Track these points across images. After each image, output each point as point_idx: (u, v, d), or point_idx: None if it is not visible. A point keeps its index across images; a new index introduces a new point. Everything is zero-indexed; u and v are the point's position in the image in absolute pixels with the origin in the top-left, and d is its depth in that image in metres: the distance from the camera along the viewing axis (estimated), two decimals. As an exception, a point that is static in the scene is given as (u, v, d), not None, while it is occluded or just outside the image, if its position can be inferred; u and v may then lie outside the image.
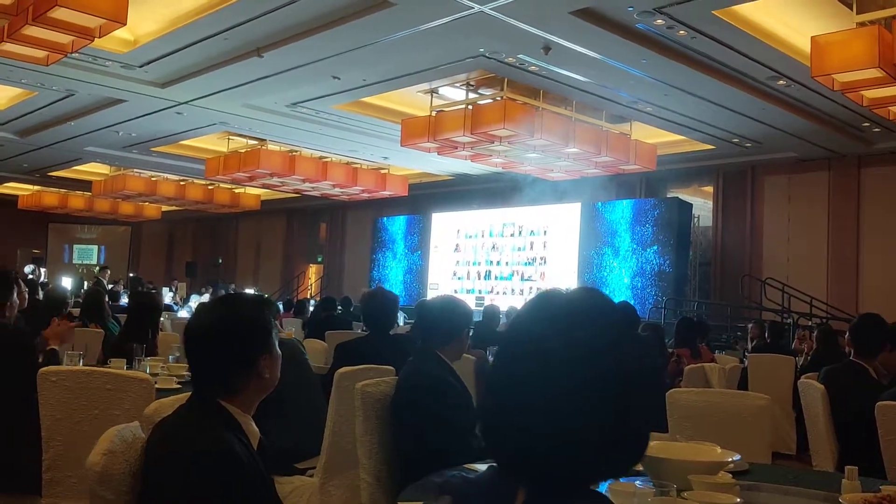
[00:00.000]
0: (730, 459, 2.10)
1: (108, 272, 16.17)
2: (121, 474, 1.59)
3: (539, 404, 0.98)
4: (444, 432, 2.56)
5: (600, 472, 1.05)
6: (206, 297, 14.38)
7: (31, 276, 14.33)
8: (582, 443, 0.98)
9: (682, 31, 6.88)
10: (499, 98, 8.85)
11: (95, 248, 22.67)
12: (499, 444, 1.03)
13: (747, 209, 12.62)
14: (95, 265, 20.58)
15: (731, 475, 2.07)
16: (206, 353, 1.76)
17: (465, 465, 2.24)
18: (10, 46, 6.08)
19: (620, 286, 12.68)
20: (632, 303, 9.07)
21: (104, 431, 1.75)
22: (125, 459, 1.60)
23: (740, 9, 6.67)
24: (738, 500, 1.87)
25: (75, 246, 22.60)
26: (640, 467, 2.15)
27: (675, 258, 12.20)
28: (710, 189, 13.33)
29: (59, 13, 5.36)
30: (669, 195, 13.29)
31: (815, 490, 2.20)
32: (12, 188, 18.69)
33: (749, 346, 8.16)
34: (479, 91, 9.43)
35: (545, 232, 13.94)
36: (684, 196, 13.11)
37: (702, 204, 13.34)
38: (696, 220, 13.07)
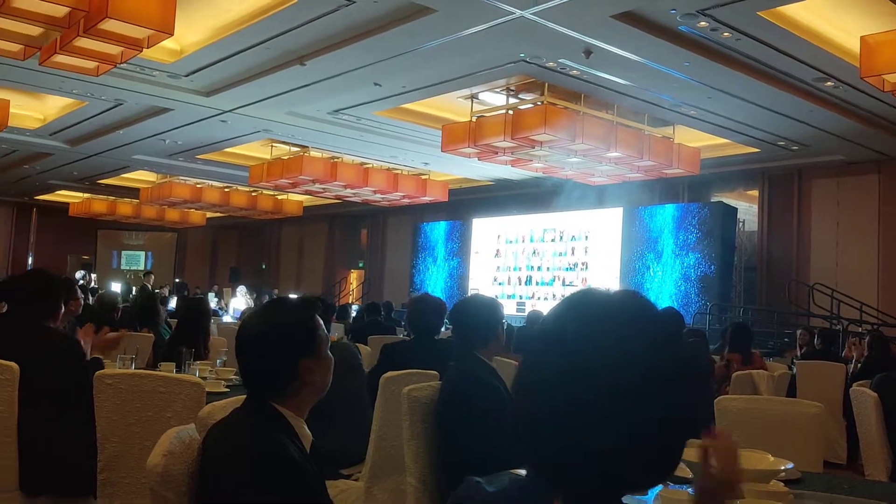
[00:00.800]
0: (782, 468, 2.07)
1: (153, 277, 16.48)
2: (180, 475, 1.62)
3: (572, 408, 0.94)
4: (487, 436, 2.56)
5: (638, 481, 1.00)
6: (241, 300, 14.63)
7: (81, 282, 14.69)
8: (618, 449, 0.94)
9: (726, 33, 6.79)
10: (539, 103, 8.83)
11: (143, 254, 23.13)
12: (533, 449, 0.99)
13: (794, 213, 12.38)
14: (142, 271, 21.00)
15: (783, 483, 2.04)
16: (250, 357, 1.80)
17: (510, 471, 2.24)
18: (62, 58, 6.25)
19: (664, 292, 12.54)
20: (675, 307, 8.96)
21: (157, 433, 1.79)
22: (184, 460, 1.64)
23: (786, 9, 6.56)
24: (792, 508, 1.84)
25: (123, 252, 23.09)
26: (690, 475, 2.13)
27: (719, 263, 12.03)
28: (755, 193, 13.11)
29: (109, 25, 5.50)
30: (713, 199, 13.11)
31: (872, 500, 2.15)
32: (63, 196, 19.19)
33: (798, 353, 8.00)
34: (520, 96, 9.43)
35: (586, 237, 13.84)
36: (729, 200, 12.92)
37: (747, 208, 13.13)
38: (741, 224, 12.87)
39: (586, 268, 13.80)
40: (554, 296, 14.10)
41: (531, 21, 6.61)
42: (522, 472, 2.20)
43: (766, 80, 7.91)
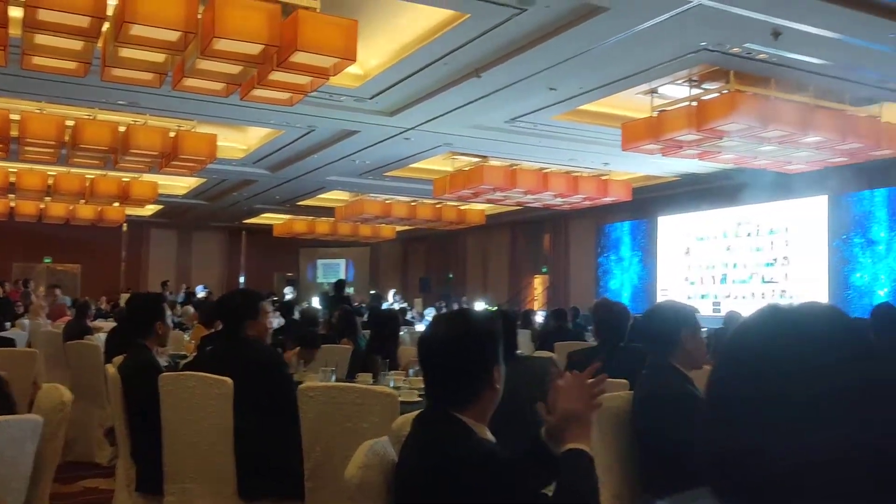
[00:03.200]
0: None
1: (349, 289, 17.38)
2: (378, 486, 1.70)
3: (773, 427, 0.89)
4: (688, 447, 2.44)
5: None
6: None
7: (288, 297, 15.82)
8: (825, 468, 0.86)
9: (938, -4, 6.11)
10: (725, 91, 8.38)
11: (342, 262, 24.33)
12: (725, 472, 0.93)
13: None
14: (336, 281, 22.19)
15: None
16: (442, 364, 1.82)
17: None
18: (259, 92, 6.76)
19: (879, 285, 11.46)
20: (893, 303, 8.14)
21: (355, 443, 1.88)
22: (380, 472, 1.71)
23: None
24: None
25: (321, 266, 24.42)
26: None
27: (944, 250, 10.82)
28: (984, 169, 11.65)
29: (299, 57, 5.87)
30: (933, 180, 11.81)
31: None
32: (267, 218, 20.76)
33: None
34: (704, 86, 8.98)
35: (787, 229, 12.96)
36: (952, 179, 11.58)
37: (975, 187, 11.70)
38: (969, 205, 11.50)
39: (788, 262, 12.92)
40: (753, 294, 13.33)
41: (711, 7, 6.29)
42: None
43: None
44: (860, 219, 11.95)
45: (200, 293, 16.85)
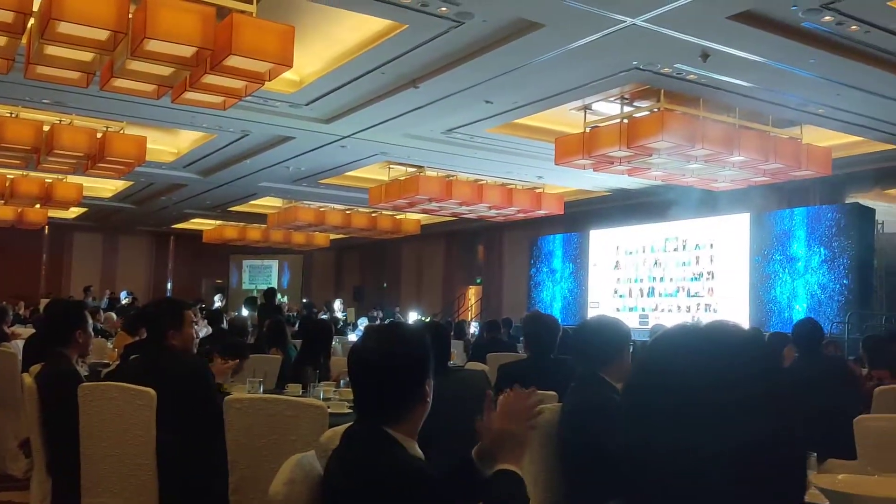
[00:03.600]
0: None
1: (283, 298, 17.09)
2: (304, 501, 1.67)
3: (678, 432, 0.96)
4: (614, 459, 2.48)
5: None
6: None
7: (217, 305, 15.49)
8: (732, 478, 0.93)
9: (853, 27, 6.41)
10: (656, 109, 8.61)
11: (275, 265, 23.81)
12: (635, 473, 1.00)
13: (941, 212, 11.47)
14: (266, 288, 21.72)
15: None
16: (374, 378, 1.80)
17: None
18: (191, 95, 6.62)
19: (797, 300, 11.91)
20: (814, 318, 8.47)
21: (283, 456, 1.85)
22: (306, 488, 1.68)
23: (922, -4, 6.12)
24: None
25: (250, 272, 23.81)
26: (826, 502, 2.01)
27: (857, 268, 11.30)
28: (894, 192, 12.24)
29: (233, 61, 5.78)
30: (848, 201, 12.34)
31: None
32: (197, 224, 20.32)
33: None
34: (635, 104, 9.22)
35: (711, 245, 13.34)
36: (865, 201, 12.11)
37: (886, 208, 12.25)
38: (879, 226, 12.04)
39: (712, 277, 13.29)
40: (679, 307, 13.66)
41: (643, 28, 6.47)
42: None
43: (902, 73, 7.39)
44: (780, 236, 12.39)
45: (124, 299, 16.36)
